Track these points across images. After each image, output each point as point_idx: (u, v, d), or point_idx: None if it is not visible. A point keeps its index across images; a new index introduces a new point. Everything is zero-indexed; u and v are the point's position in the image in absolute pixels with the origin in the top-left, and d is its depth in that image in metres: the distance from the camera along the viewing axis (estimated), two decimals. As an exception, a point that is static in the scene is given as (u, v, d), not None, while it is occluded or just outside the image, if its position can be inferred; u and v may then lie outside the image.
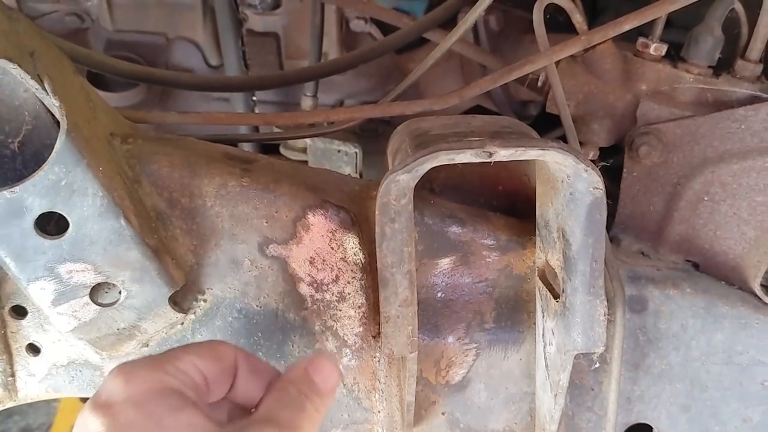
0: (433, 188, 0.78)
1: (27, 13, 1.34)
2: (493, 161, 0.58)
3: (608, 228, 0.83)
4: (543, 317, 0.69)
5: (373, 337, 0.73)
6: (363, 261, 0.72)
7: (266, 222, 0.70)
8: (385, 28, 1.38)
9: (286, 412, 0.54)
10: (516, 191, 0.78)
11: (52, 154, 0.56)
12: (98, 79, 1.27)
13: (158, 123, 0.81)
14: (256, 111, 1.40)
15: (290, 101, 1.41)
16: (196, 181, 0.69)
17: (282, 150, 1.31)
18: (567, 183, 0.59)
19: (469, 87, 0.78)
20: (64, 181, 0.58)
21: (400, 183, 0.58)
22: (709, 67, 0.80)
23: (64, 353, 0.73)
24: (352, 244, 0.72)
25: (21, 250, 0.60)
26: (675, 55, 0.82)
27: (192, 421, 0.49)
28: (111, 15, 1.35)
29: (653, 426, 0.79)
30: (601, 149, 0.86)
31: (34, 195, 0.57)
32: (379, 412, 0.75)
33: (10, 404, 0.75)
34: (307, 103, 1.25)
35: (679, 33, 0.86)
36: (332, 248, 0.72)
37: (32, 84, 0.55)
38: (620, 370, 0.75)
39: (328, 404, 0.58)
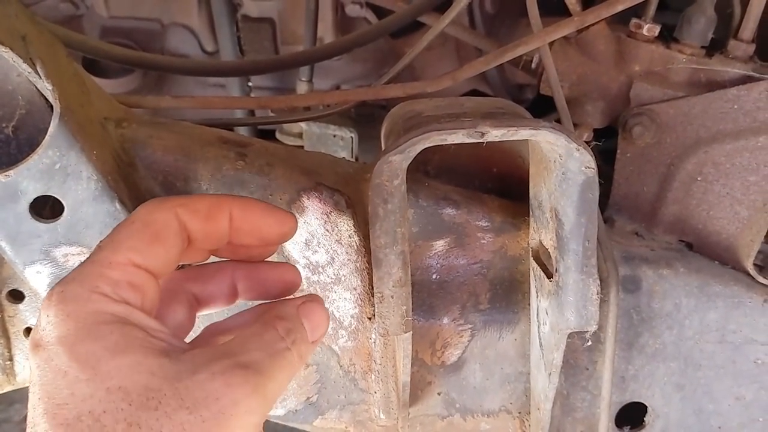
0: (427, 171, 0.78)
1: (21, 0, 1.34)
2: (485, 142, 0.58)
3: (602, 209, 0.84)
4: (537, 297, 0.70)
5: (369, 318, 0.74)
6: (357, 243, 0.72)
7: (261, 205, 0.70)
8: (381, 13, 1.38)
9: (263, 354, 0.46)
10: (510, 173, 0.78)
11: (46, 137, 0.57)
12: (94, 66, 1.27)
13: (153, 107, 0.81)
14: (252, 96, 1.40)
15: (286, 86, 1.41)
16: (190, 164, 0.69)
17: (278, 135, 1.31)
18: (559, 163, 0.59)
19: (462, 69, 0.78)
20: (58, 164, 0.58)
21: (392, 164, 0.58)
22: (702, 47, 0.80)
23: (62, 337, 0.74)
24: (346, 227, 0.72)
25: (16, 234, 0.60)
26: (668, 36, 0.82)
27: (136, 361, 0.42)
28: (105, 1, 1.35)
29: (647, 404, 0.80)
30: (594, 130, 0.86)
31: (28, 179, 0.58)
32: (375, 392, 0.76)
33: (8, 388, 0.76)
34: (302, 88, 1.25)
35: (673, 16, 0.86)
36: (327, 231, 0.72)
37: (24, 67, 0.54)
38: (614, 349, 0.76)
39: (309, 355, 0.52)
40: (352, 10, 1.40)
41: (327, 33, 1.37)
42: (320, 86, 1.39)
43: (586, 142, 0.82)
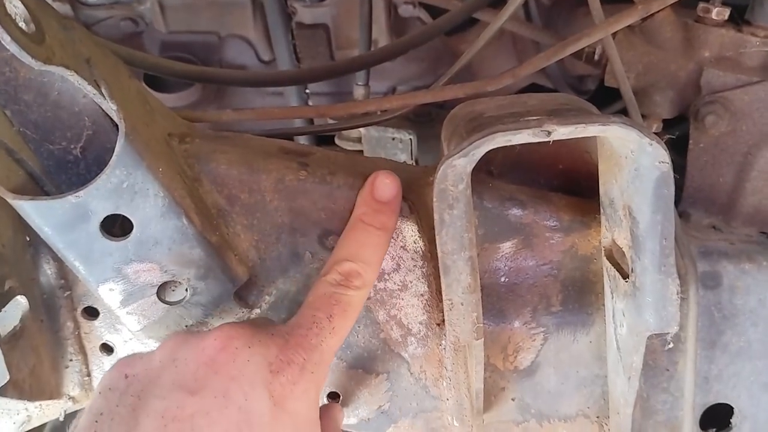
0: (491, 170, 0.77)
1: (84, 20, 1.37)
2: (552, 140, 0.56)
3: (677, 203, 0.80)
4: (612, 298, 0.67)
5: (438, 324, 0.73)
6: (423, 248, 0.71)
7: (325, 214, 0.70)
8: (434, 12, 1.36)
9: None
10: (577, 169, 0.75)
11: (113, 157, 0.57)
12: (155, 81, 1.29)
13: (214, 122, 0.81)
14: (310, 103, 1.40)
15: (343, 91, 1.41)
16: (254, 176, 0.69)
17: (337, 141, 1.31)
18: (631, 158, 0.56)
19: (522, 66, 0.76)
20: (125, 183, 0.59)
21: (456, 168, 0.57)
22: (777, 28, 0.76)
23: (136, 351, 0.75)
24: (411, 232, 0.71)
25: (88, 253, 0.61)
26: (739, 19, 0.78)
27: None
28: (164, 17, 1.37)
29: (733, 406, 0.76)
30: (664, 121, 0.83)
31: (97, 199, 0.58)
32: (447, 399, 0.75)
33: (87, 403, 0.77)
34: (359, 92, 1.24)
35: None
36: (392, 237, 0.71)
37: (90, 89, 0.55)
38: (695, 349, 0.73)
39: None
40: (405, 10, 1.39)
41: (381, 35, 1.36)
42: (376, 88, 1.39)
43: (656, 133, 0.79)
